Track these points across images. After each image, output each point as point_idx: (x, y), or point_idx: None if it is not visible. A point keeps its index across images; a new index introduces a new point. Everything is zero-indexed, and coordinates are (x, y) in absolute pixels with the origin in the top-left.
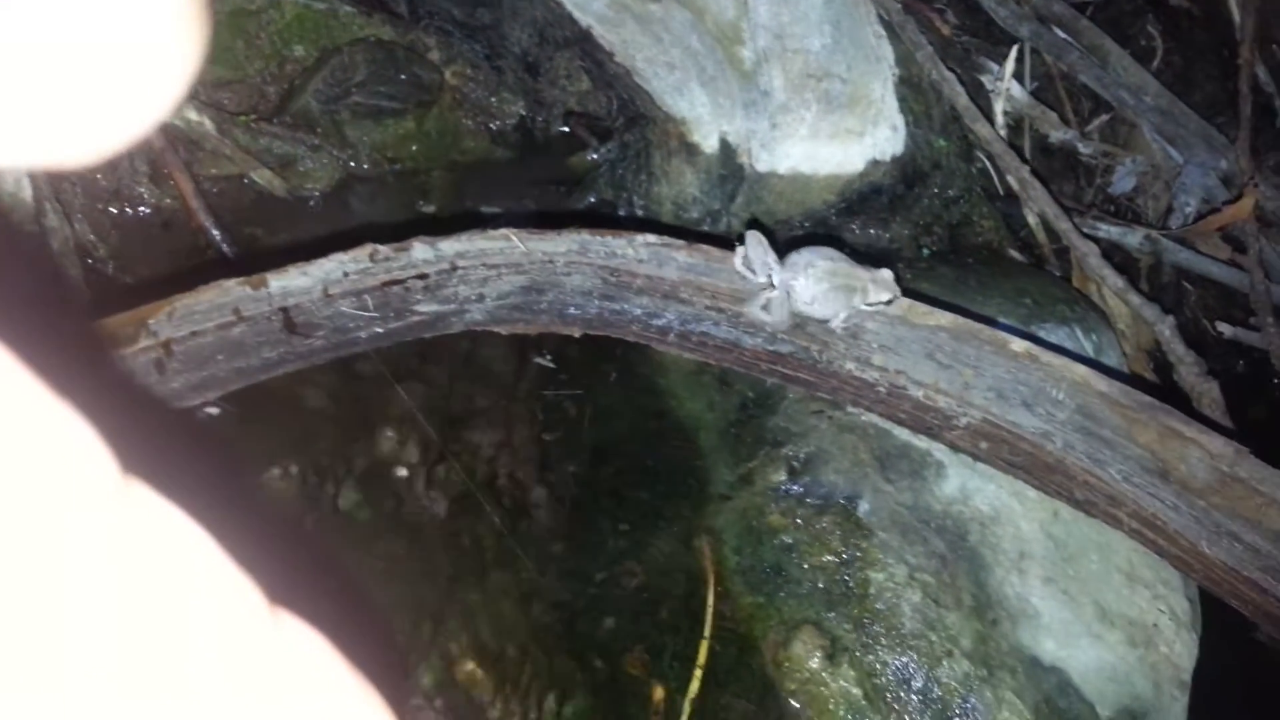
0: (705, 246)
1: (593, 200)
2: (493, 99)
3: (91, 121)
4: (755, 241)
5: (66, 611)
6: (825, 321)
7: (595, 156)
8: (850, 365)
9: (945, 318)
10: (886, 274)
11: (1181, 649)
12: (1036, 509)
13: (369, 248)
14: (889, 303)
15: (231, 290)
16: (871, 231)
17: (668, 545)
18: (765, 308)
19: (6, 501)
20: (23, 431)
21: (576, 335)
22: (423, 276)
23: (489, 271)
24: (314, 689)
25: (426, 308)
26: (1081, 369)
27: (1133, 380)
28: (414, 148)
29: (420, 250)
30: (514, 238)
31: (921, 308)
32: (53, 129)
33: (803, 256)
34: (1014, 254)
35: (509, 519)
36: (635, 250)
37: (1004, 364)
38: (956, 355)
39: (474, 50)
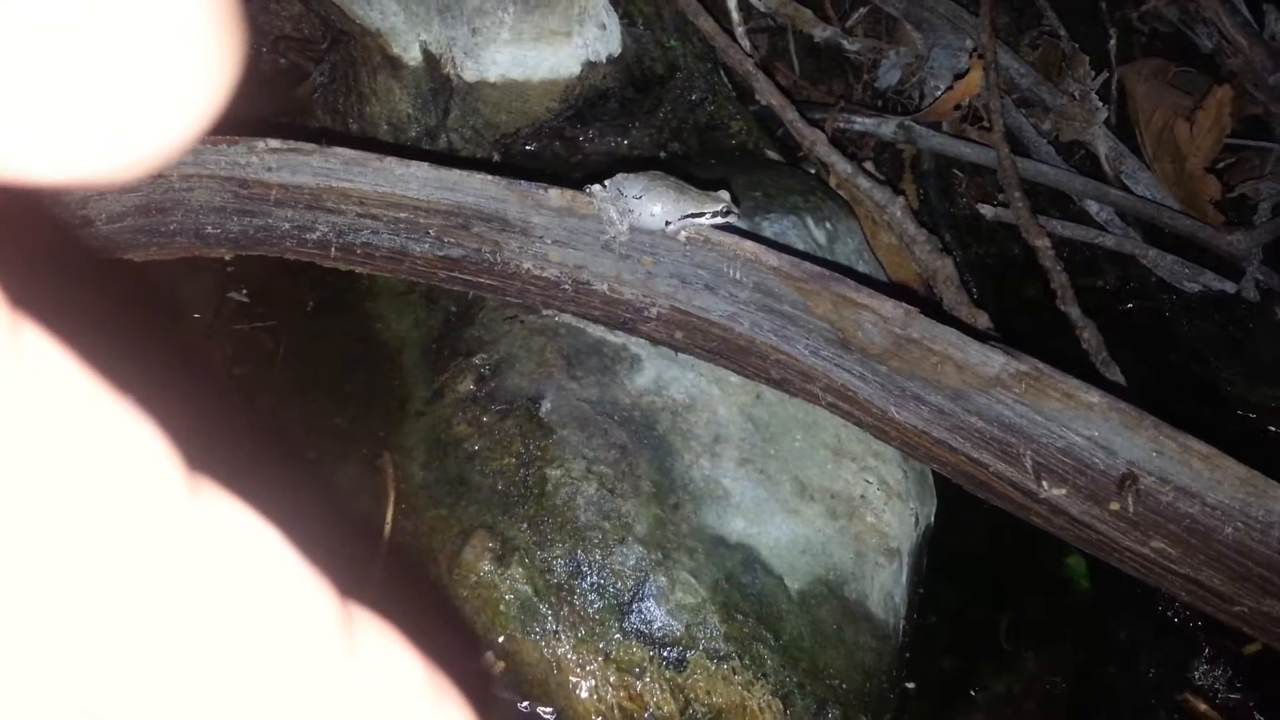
0: (339, 148)
1: (314, 129)
2: None
3: (126, 134)
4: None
5: (143, 632)
6: (665, 228)
7: (311, 84)
8: (528, 264)
9: None
10: (723, 193)
11: (892, 518)
12: (738, 393)
13: None
14: (726, 214)
15: None
16: (610, 140)
17: (355, 467)
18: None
19: (75, 520)
20: (86, 445)
21: (228, 257)
22: None
23: (85, 190)
24: (394, 698)
25: None
26: (750, 245)
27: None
28: None
29: None
30: None
31: (584, 198)
32: (86, 141)
33: (643, 176)
34: (771, 155)
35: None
36: (260, 158)
37: (679, 248)
38: (633, 244)
39: None
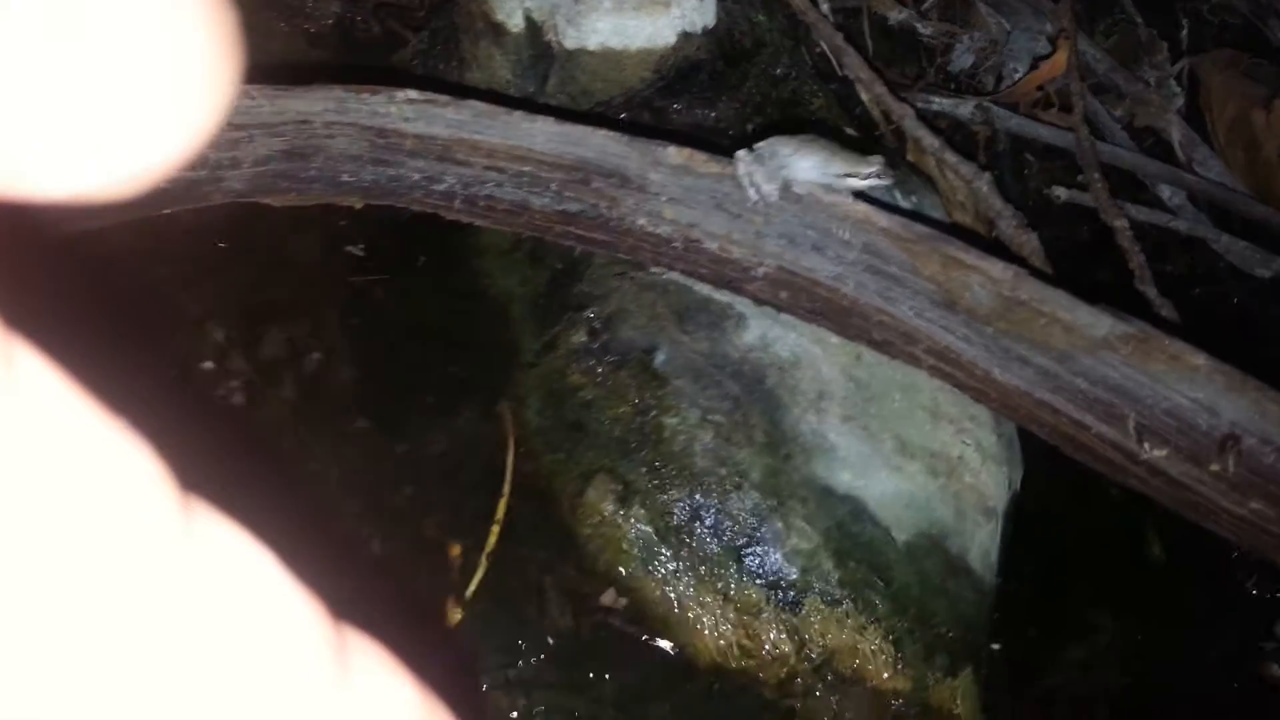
0: (472, 101)
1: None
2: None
3: (121, 149)
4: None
5: (139, 670)
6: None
7: (410, 50)
8: (642, 221)
9: (728, 165)
10: (877, 156)
11: (988, 479)
12: (839, 354)
13: None
14: (877, 174)
15: None
16: (698, 111)
17: (473, 415)
18: (752, 178)
19: (64, 553)
20: (75, 471)
21: (358, 206)
22: None
23: (238, 133)
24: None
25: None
26: (862, 206)
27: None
28: None
29: None
30: (256, 94)
31: (702, 156)
32: (78, 157)
33: (796, 138)
34: (850, 131)
35: (309, 403)
36: (398, 108)
37: (789, 208)
38: (745, 203)
39: None
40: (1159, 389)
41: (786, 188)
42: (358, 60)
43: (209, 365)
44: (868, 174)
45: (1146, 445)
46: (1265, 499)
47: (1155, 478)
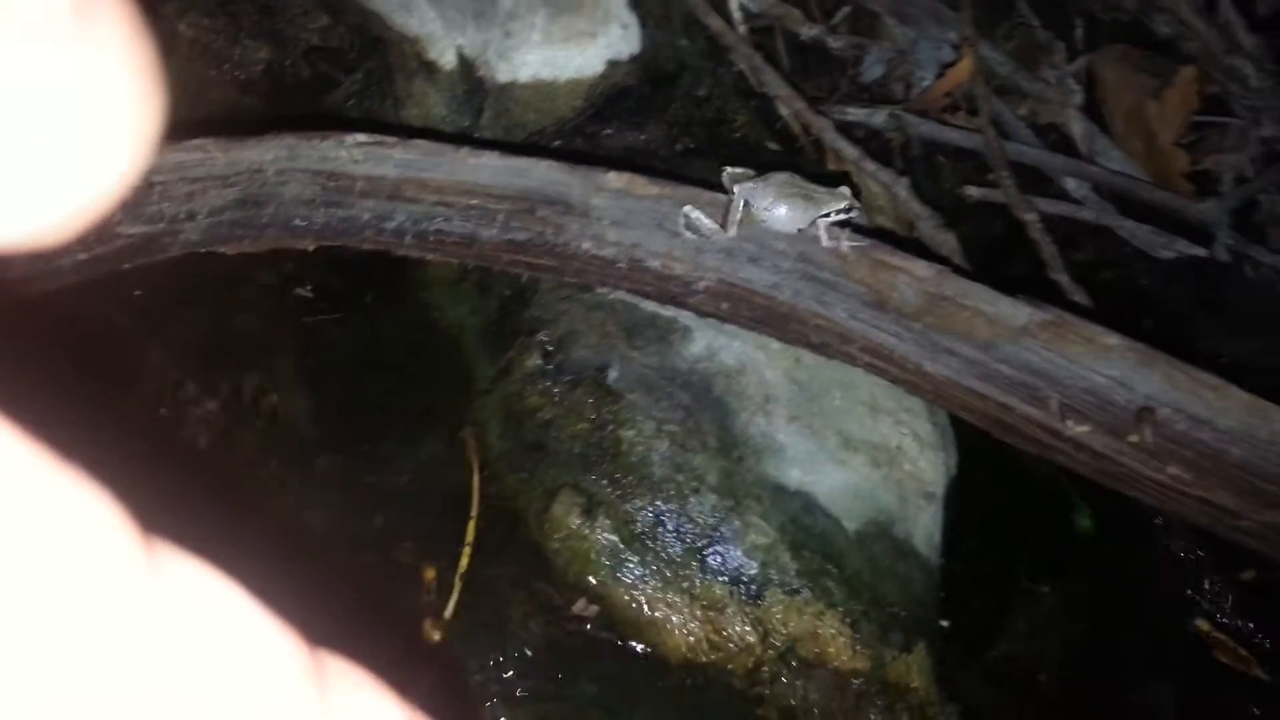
0: (419, 140)
1: None
2: (235, 47)
3: (51, 197)
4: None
5: (113, 708)
6: (799, 232)
7: (344, 92)
8: (587, 244)
9: (667, 187)
10: (844, 189)
11: (925, 465)
12: (780, 358)
13: None
14: (849, 211)
15: None
16: (628, 134)
17: (436, 443)
18: (702, 220)
19: (25, 605)
20: (30, 521)
21: (310, 249)
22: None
23: (192, 186)
24: None
25: (131, 229)
26: None
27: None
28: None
29: None
30: (211, 148)
31: (641, 179)
32: (10, 206)
33: (762, 177)
34: (772, 145)
35: (273, 443)
36: (348, 151)
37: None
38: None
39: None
40: (1077, 369)
41: (767, 228)
42: (291, 104)
43: (173, 412)
44: (839, 209)
45: (1069, 423)
46: (1181, 464)
47: (1080, 453)
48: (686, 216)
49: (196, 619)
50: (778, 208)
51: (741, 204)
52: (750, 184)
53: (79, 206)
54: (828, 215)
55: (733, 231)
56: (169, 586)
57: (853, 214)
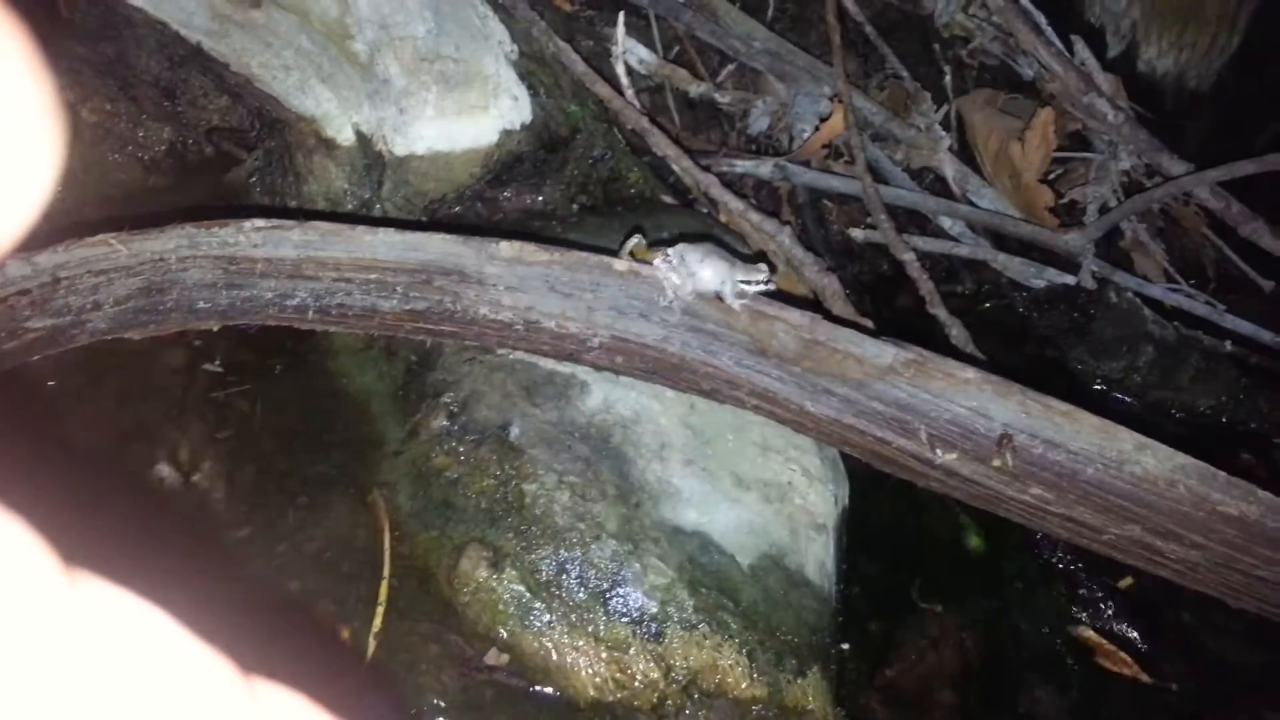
0: (316, 222)
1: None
2: (138, 130)
3: None
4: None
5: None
6: (715, 294)
7: (246, 169)
8: (484, 310)
9: (556, 253)
10: (763, 265)
11: (816, 499)
12: (675, 405)
13: None
14: (766, 281)
15: None
16: (526, 198)
17: (346, 506)
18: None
19: None
20: None
21: (215, 329)
22: (25, 293)
23: (98, 279)
24: None
25: (40, 323)
26: (675, 276)
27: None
28: (59, 190)
29: (15, 267)
30: (114, 242)
31: (531, 247)
32: None
33: (700, 247)
34: (667, 199)
35: (188, 518)
36: (247, 236)
37: (615, 283)
38: (574, 284)
39: (107, 85)
40: (940, 402)
41: (694, 291)
42: (196, 182)
43: (89, 495)
44: (758, 280)
45: (939, 451)
46: (1042, 485)
47: (951, 478)
48: (664, 275)
49: (113, 622)
50: (704, 269)
51: (679, 261)
52: (686, 246)
53: None
54: (748, 282)
55: (687, 289)
56: (87, 595)
57: (770, 286)
